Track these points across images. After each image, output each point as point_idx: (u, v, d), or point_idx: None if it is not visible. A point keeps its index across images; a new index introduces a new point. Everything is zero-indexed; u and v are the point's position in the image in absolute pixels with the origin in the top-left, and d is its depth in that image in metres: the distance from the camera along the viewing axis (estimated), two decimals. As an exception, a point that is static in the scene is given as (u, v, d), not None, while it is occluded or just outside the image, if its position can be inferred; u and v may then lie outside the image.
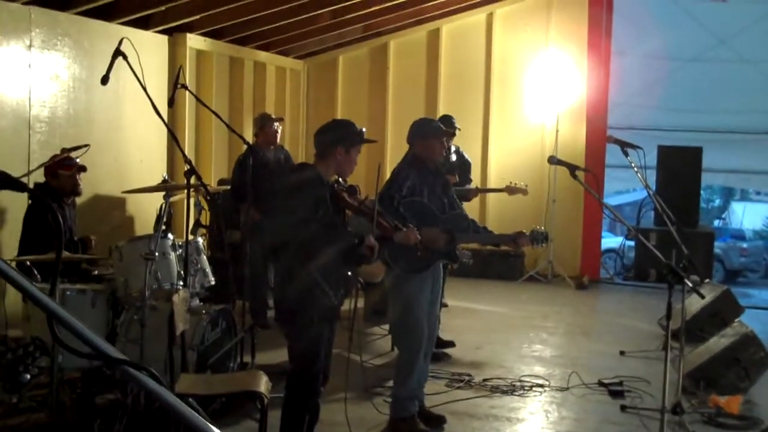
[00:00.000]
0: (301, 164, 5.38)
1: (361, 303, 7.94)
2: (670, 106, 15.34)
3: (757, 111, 15.16)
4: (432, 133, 5.48)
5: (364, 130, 4.58)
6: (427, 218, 5.20)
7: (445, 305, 8.66)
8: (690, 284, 4.98)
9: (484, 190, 9.41)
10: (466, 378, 6.49)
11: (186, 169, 5.40)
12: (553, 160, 5.57)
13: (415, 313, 5.26)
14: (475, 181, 10.66)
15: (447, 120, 8.26)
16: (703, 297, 6.15)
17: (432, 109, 11.72)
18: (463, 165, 8.49)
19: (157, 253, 5.21)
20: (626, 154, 5.79)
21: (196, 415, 1.49)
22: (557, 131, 11.27)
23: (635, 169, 5.68)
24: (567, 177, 5.24)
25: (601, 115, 11.68)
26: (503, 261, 11.27)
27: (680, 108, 15.30)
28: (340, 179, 4.56)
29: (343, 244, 4.31)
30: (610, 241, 18.60)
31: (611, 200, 20.34)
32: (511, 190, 8.56)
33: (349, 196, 4.42)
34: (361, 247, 4.29)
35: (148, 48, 8.53)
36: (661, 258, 5.07)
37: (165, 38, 9.06)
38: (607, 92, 11.83)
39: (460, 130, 8.37)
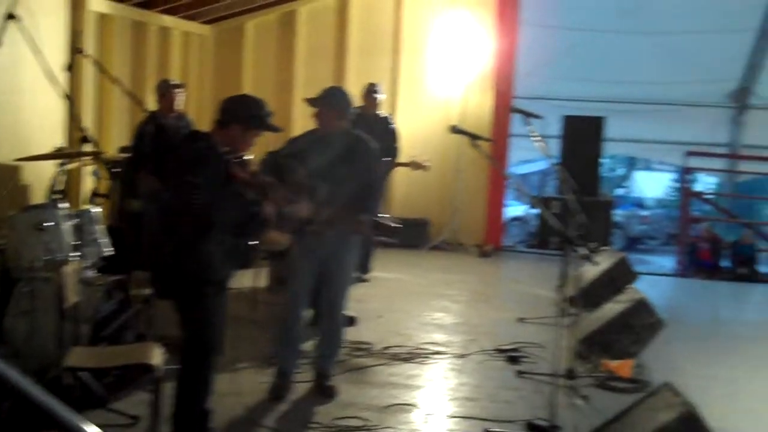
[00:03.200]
0: (196, 132, 5.25)
1: (265, 273, 7.92)
2: (577, 76, 15.56)
3: (661, 82, 15.50)
4: (316, 103, 5.43)
5: (271, 114, 4.42)
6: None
7: (364, 280, 8.82)
8: (581, 252, 5.11)
9: (393, 164, 9.41)
10: (366, 346, 6.55)
11: (81, 136, 5.29)
12: (454, 130, 5.58)
13: (293, 276, 5.41)
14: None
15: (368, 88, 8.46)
16: (595, 264, 6.34)
17: (340, 78, 11.68)
18: (387, 135, 8.52)
19: (49, 224, 5.10)
20: (528, 123, 5.86)
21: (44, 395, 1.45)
22: (463, 100, 11.36)
23: (536, 138, 5.74)
24: (488, 147, 5.28)
25: (507, 85, 11.80)
26: (408, 229, 11.34)
27: (586, 78, 15.53)
28: None
29: (238, 215, 4.26)
30: (518, 209, 18.92)
31: (519, 169, 20.65)
32: (415, 165, 8.65)
33: (241, 168, 4.34)
34: (257, 218, 4.25)
35: (47, 10, 8.25)
36: (557, 226, 5.18)
37: (64, 0, 8.78)
38: (513, 61, 11.95)
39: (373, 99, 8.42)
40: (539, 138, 5.71)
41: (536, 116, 5.85)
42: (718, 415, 5.20)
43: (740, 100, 15.96)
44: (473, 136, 5.32)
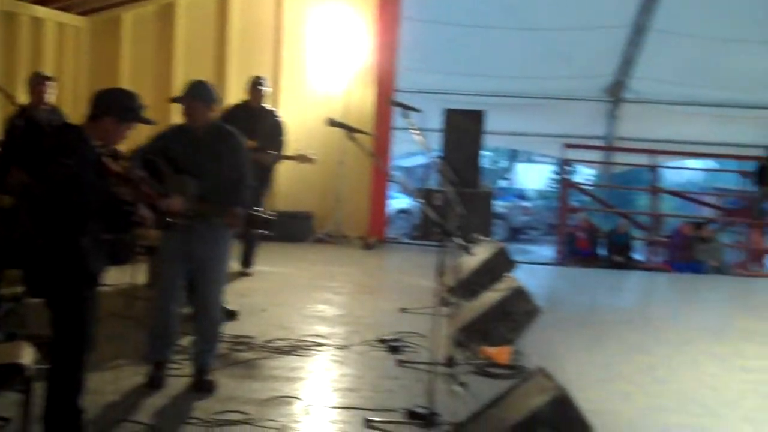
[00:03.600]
0: (67, 124, 5.12)
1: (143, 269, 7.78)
2: (458, 70, 15.79)
3: (540, 77, 15.88)
4: (183, 100, 5.39)
5: (144, 107, 4.42)
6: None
7: (248, 274, 8.81)
8: (458, 243, 5.21)
9: (279, 157, 9.38)
10: (248, 340, 6.51)
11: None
12: (331, 122, 5.61)
13: (163, 271, 5.43)
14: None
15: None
16: (472, 254, 6.45)
17: (220, 71, 11.57)
18: (272, 128, 8.50)
19: None
20: (407, 117, 5.92)
21: None
22: (346, 94, 11.42)
23: (415, 131, 5.79)
24: (368, 140, 5.32)
25: (389, 78, 11.90)
26: (291, 222, 11.33)
27: (468, 73, 15.78)
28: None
29: (110, 208, 4.20)
30: (403, 201, 19.13)
31: (404, 162, 20.85)
32: (302, 158, 8.65)
33: (113, 161, 4.28)
34: (131, 213, 4.20)
35: None
36: (435, 218, 5.28)
37: (-73, -10, 8.44)
38: (395, 55, 12.06)
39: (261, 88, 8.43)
40: (418, 131, 5.77)
41: (415, 109, 5.93)
42: (594, 398, 5.42)
43: (615, 95, 16.52)
44: (350, 129, 5.37)
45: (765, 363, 7.09)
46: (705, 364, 6.95)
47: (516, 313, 6.72)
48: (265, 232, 5.63)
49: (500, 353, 6.25)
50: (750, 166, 15.96)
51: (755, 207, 15.79)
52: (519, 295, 6.81)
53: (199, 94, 5.38)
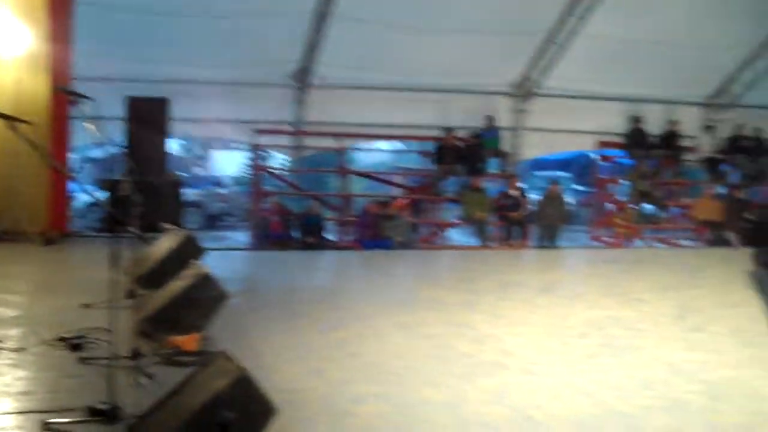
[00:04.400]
0: None
1: None
2: (144, 57, 15.34)
3: (228, 64, 15.80)
4: None
5: None
6: None
7: None
8: (137, 233, 5.09)
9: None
10: None
11: None
12: (-13, 111, 5.24)
13: None
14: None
15: None
16: (153, 244, 6.31)
17: None
18: None
19: None
20: (82, 105, 5.70)
21: None
22: (16, 82, 10.76)
23: (88, 121, 5.60)
24: (32, 130, 5.00)
25: (64, 66, 11.36)
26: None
27: (156, 59, 15.37)
28: None
29: None
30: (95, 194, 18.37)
31: (92, 153, 19.96)
32: None
33: None
34: None
35: None
36: (111, 209, 5.12)
37: None
38: (69, 41, 11.53)
39: None
40: (93, 121, 5.59)
41: (86, 97, 5.74)
42: (287, 377, 5.53)
43: (301, 80, 16.83)
44: (8, 118, 5.05)
45: (445, 329, 7.56)
46: (392, 335, 7.29)
47: (203, 300, 6.66)
48: None
49: (189, 341, 6.18)
50: (429, 147, 16.96)
51: (435, 184, 16.82)
52: (205, 281, 6.75)
53: None
